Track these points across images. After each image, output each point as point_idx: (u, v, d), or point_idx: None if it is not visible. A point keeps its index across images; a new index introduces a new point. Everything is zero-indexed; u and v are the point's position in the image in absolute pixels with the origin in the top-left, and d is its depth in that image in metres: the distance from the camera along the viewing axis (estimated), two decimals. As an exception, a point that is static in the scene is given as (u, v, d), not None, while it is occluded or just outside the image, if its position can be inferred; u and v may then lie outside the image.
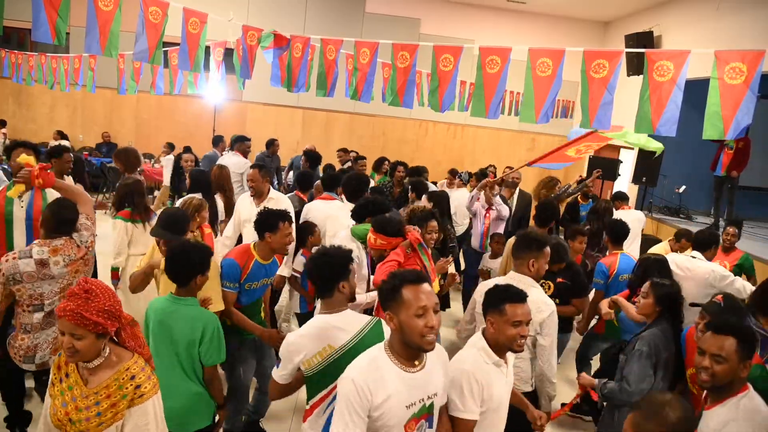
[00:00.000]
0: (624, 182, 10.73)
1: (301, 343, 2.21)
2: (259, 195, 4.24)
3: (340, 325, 2.25)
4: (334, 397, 2.16)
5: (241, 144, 6.68)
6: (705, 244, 4.29)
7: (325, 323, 2.26)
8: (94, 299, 1.78)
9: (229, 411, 3.16)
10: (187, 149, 7.02)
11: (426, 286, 1.87)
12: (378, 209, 3.71)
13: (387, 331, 2.45)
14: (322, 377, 2.21)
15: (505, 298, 2.21)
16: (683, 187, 9.66)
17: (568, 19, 12.34)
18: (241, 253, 3.14)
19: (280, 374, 2.28)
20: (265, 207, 3.35)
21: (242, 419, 3.40)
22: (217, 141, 7.86)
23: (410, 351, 1.87)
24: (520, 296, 2.22)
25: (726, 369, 2.06)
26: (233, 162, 6.10)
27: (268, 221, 3.09)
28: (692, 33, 9.26)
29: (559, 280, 3.74)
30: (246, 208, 4.28)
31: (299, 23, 11.62)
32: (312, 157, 6.71)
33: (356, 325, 2.28)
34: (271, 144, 8.15)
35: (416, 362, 1.91)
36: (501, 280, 2.95)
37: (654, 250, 5.15)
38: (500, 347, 2.22)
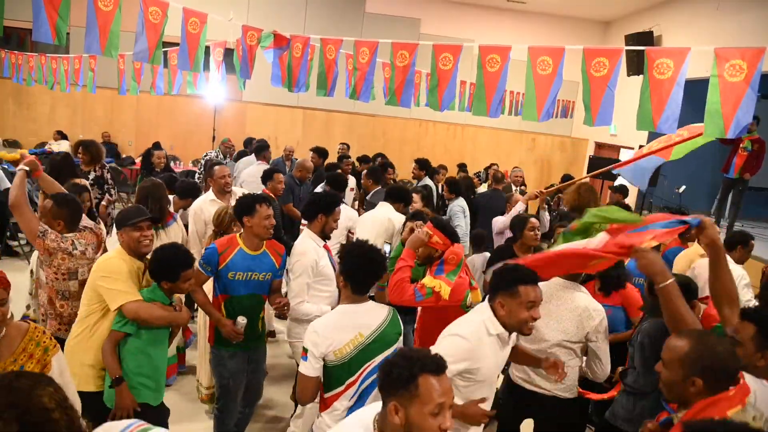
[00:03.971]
0: (624, 182, 10.73)
1: (331, 334, 2.26)
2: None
3: (367, 314, 2.36)
4: (360, 384, 2.30)
5: (267, 152, 6.78)
6: (729, 244, 4.20)
7: (354, 313, 2.34)
8: None
9: (217, 419, 3.20)
10: (157, 145, 6.95)
11: (445, 378, 1.55)
12: (328, 203, 3.34)
13: (401, 322, 2.48)
14: (349, 366, 2.28)
15: (518, 278, 2.16)
16: (683, 187, 9.66)
17: (568, 18, 12.34)
18: (226, 240, 3.11)
19: (312, 367, 2.25)
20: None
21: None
22: (261, 149, 6.91)
23: None
24: (533, 277, 2.19)
25: (740, 354, 2.02)
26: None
27: (244, 205, 3.02)
28: (692, 33, 9.26)
29: None
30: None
31: (299, 23, 11.63)
32: (336, 181, 5.33)
33: (381, 314, 2.40)
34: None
35: None
36: (545, 284, 2.74)
37: (687, 252, 4.64)
38: (507, 328, 2.21)
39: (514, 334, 2.33)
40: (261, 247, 3.10)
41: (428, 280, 2.78)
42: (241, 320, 2.97)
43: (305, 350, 2.26)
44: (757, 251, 6.55)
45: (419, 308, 3.17)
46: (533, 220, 3.87)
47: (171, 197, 4.40)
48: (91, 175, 5.30)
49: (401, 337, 2.52)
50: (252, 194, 3.16)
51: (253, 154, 7.10)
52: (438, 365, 1.56)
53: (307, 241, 3.20)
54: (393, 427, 1.53)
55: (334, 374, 2.28)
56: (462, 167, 9.41)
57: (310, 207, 3.31)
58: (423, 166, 6.76)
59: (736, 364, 1.77)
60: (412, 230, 3.14)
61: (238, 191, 4.39)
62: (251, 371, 3.22)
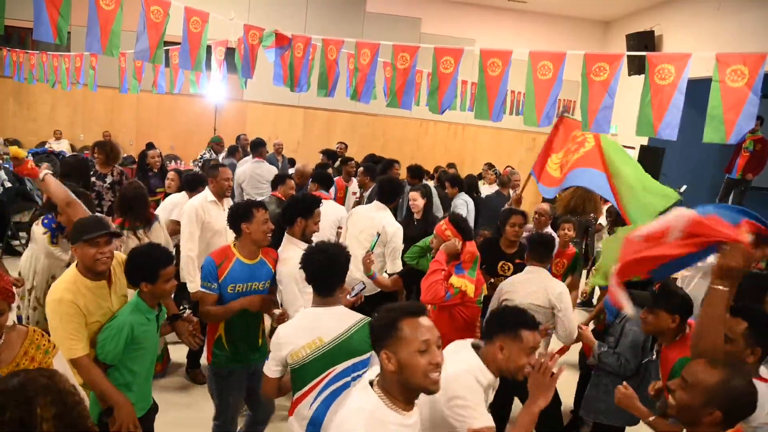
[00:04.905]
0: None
1: (291, 334, 2.22)
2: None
3: (332, 319, 2.26)
4: (321, 390, 2.21)
5: (263, 149, 6.74)
6: None
7: (317, 316, 2.27)
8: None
9: None
10: (150, 145, 6.97)
11: (426, 318, 1.67)
12: (305, 206, 3.25)
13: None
14: (307, 370, 2.21)
15: (520, 322, 2.09)
16: (684, 186, 9.66)
17: (569, 18, 12.33)
18: (219, 252, 2.93)
19: (269, 368, 2.27)
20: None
21: None
22: (258, 145, 6.88)
23: (410, 393, 1.66)
24: (534, 322, 2.12)
25: (730, 350, 2.02)
26: (266, 169, 6.41)
27: (240, 212, 2.88)
28: (693, 32, 9.26)
29: (517, 261, 3.95)
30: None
31: (300, 22, 11.62)
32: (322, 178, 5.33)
33: (348, 321, 2.29)
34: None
35: (413, 404, 1.69)
36: (519, 277, 3.43)
37: None
38: (500, 373, 2.10)
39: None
40: (258, 255, 2.97)
41: (455, 280, 2.97)
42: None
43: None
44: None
45: (428, 309, 3.18)
46: (516, 216, 3.95)
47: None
48: (108, 179, 5.20)
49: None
50: (247, 200, 3.08)
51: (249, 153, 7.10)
52: (417, 308, 1.69)
53: (289, 247, 3.05)
54: (390, 376, 1.63)
55: (296, 376, 2.25)
56: (451, 166, 9.30)
57: (287, 211, 3.16)
58: (415, 174, 6.41)
59: (754, 399, 1.71)
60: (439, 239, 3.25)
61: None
62: (252, 389, 3.04)
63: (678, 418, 1.82)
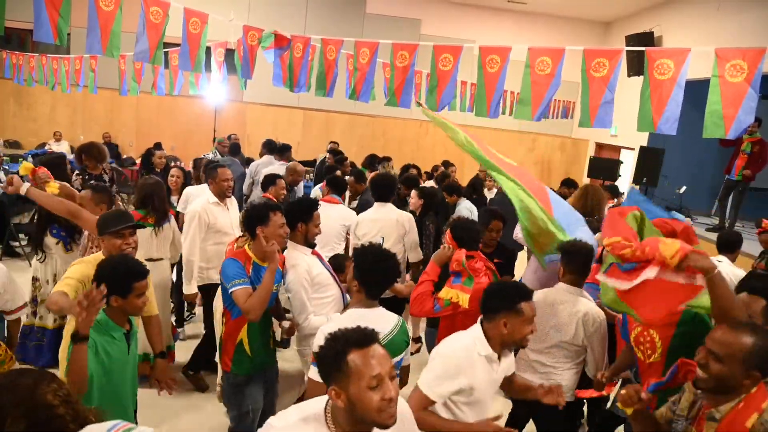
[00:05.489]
0: (625, 182, 10.74)
1: None
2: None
3: (378, 320, 2.28)
4: None
5: (289, 153, 6.97)
6: (729, 245, 4.16)
7: (364, 318, 2.21)
8: None
9: None
10: (158, 146, 7.01)
11: (377, 347, 1.52)
12: (304, 210, 3.18)
13: (410, 329, 2.46)
14: None
15: (519, 295, 2.18)
16: (684, 187, 9.66)
17: (569, 19, 12.35)
18: (237, 253, 2.83)
19: (317, 373, 2.16)
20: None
21: None
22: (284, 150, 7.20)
23: (364, 427, 1.52)
24: (529, 292, 2.24)
25: None
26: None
27: (257, 214, 2.79)
28: (693, 33, 9.26)
29: (496, 260, 3.70)
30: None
31: (300, 23, 11.64)
32: (336, 183, 5.16)
33: (390, 321, 2.36)
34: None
35: None
36: (552, 291, 2.91)
37: None
38: (506, 345, 2.22)
39: (509, 360, 2.32)
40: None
41: (444, 292, 2.87)
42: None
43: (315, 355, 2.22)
44: (756, 251, 6.54)
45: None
46: (497, 221, 3.74)
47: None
48: (106, 177, 5.26)
49: (409, 347, 2.48)
50: (263, 202, 3.01)
51: (265, 154, 7.16)
52: (364, 336, 1.52)
53: (293, 254, 2.98)
54: (339, 411, 1.50)
55: None
56: (447, 165, 9.11)
57: (287, 217, 3.04)
58: (410, 184, 6.41)
59: None
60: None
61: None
62: (266, 393, 2.97)
63: (714, 389, 1.81)
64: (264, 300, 2.69)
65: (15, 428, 1.21)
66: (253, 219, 2.79)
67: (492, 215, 3.82)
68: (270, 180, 4.93)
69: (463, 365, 2.14)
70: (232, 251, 2.95)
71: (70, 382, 1.96)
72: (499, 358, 2.24)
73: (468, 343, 2.19)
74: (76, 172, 5.18)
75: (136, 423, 2.53)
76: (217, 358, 3.19)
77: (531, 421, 3.09)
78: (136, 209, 3.94)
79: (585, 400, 3.05)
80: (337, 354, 1.49)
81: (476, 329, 2.24)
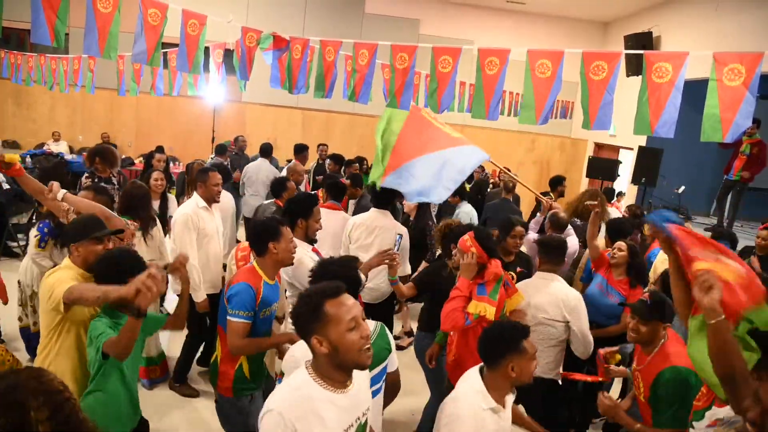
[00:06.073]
0: (623, 182, 10.73)
1: (307, 352, 2.17)
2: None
3: None
4: None
5: (306, 154, 7.09)
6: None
7: None
8: None
9: None
10: (160, 149, 6.99)
11: (347, 295, 1.70)
12: (304, 207, 3.19)
13: (391, 336, 2.45)
14: None
15: (519, 335, 2.16)
16: (682, 187, 9.66)
17: (568, 19, 12.34)
18: (250, 276, 2.64)
19: None
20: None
21: None
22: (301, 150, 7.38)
23: (344, 372, 1.69)
24: (525, 328, 2.22)
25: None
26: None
27: (268, 230, 2.66)
28: (692, 34, 9.26)
29: (519, 270, 3.82)
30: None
31: (299, 24, 11.62)
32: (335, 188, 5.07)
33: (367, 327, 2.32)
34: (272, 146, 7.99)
35: (348, 382, 1.72)
36: (531, 282, 3.40)
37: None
38: (511, 387, 2.20)
39: (510, 399, 2.26)
40: (276, 273, 2.79)
41: (473, 307, 2.84)
42: None
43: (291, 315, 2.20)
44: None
45: (450, 336, 3.10)
46: (519, 228, 3.77)
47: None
48: (114, 181, 5.19)
49: (393, 354, 2.40)
50: (272, 217, 2.90)
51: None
52: (336, 288, 1.69)
53: (297, 251, 2.90)
54: (323, 359, 1.66)
55: None
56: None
57: (287, 215, 3.04)
58: (337, 161, 6.41)
59: None
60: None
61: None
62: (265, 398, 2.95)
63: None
64: (253, 352, 2.68)
65: (41, 416, 1.27)
66: (264, 234, 2.66)
67: (513, 221, 3.86)
68: (281, 186, 4.85)
69: (475, 428, 2.06)
70: (245, 270, 2.75)
71: (118, 351, 2.12)
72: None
73: (472, 401, 2.11)
74: (86, 174, 5.11)
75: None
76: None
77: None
78: (120, 215, 3.88)
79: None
80: (315, 306, 1.65)
81: (474, 381, 2.17)
